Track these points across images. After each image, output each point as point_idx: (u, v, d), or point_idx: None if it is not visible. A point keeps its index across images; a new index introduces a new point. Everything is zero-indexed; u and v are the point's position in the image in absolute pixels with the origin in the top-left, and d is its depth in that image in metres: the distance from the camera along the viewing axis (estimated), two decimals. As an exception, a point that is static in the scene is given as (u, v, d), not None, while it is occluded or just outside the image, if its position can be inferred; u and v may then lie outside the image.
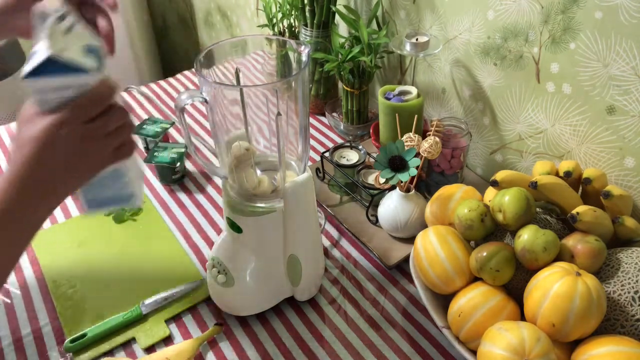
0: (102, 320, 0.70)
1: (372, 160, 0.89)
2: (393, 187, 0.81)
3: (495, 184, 0.69)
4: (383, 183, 0.78)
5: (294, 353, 0.68)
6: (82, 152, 0.50)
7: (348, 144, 0.93)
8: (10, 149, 0.48)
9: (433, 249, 0.65)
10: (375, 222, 0.83)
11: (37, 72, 0.46)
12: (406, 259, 0.77)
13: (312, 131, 1.09)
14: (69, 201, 0.92)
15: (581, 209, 0.62)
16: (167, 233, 0.86)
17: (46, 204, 0.51)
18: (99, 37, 0.54)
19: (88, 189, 0.55)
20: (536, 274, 0.59)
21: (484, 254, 0.61)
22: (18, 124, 0.50)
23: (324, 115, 1.11)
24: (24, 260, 0.80)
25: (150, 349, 0.68)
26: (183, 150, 0.95)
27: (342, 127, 1.04)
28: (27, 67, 0.46)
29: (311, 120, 1.12)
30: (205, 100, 0.58)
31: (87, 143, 0.49)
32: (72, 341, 0.67)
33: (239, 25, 1.57)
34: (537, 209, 0.67)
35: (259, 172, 0.67)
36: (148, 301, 0.73)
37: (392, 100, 0.85)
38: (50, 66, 0.46)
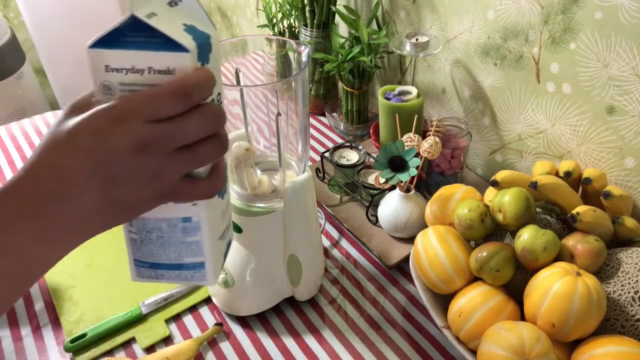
0: (102, 320, 0.70)
1: (372, 160, 0.89)
2: (393, 187, 0.81)
3: (495, 184, 0.69)
4: (383, 183, 0.78)
5: (294, 353, 0.68)
6: (131, 167, 0.33)
7: (348, 144, 0.93)
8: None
9: (433, 249, 0.65)
10: (375, 222, 0.83)
11: (110, 39, 0.33)
12: (406, 259, 0.77)
13: (312, 131, 1.09)
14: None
15: (581, 209, 0.62)
16: (167, 233, 0.86)
17: (49, 234, 0.34)
18: (214, 28, 0.38)
19: (137, 240, 0.40)
20: (536, 274, 0.59)
21: (484, 254, 0.61)
22: (59, 119, 0.35)
23: (324, 115, 1.11)
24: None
25: (150, 349, 0.68)
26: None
27: (342, 127, 1.04)
28: (99, 35, 0.33)
29: (311, 120, 1.12)
30: (206, 100, 0.57)
31: (144, 153, 0.33)
32: (72, 341, 0.67)
33: (239, 25, 1.57)
34: (537, 209, 0.67)
35: (259, 172, 0.67)
36: (148, 301, 0.72)
37: (392, 101, 0.85)
38: (132, 33, 0.33)
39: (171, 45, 0.33)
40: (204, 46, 0.36)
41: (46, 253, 0.35)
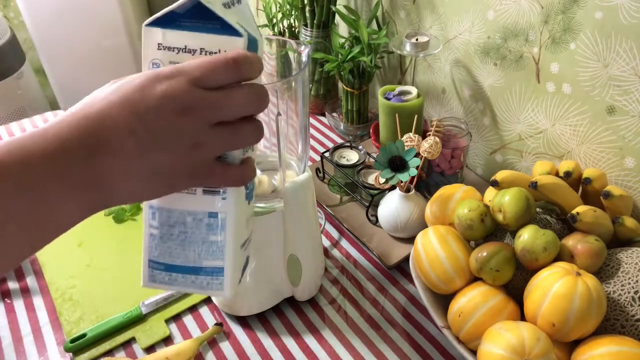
0: (102, 320, 0.70)
1: (372, 160, 0.89)
2: (393, 187, 0.81)
3: (495, 184, 0.69)
4: (383, 183, 0.78)
5: (294, 353, 0.68)
6: (170, 129, 0.33)
7: (348, 144, 0.93)
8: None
9: (433, 249, 0.65)
10: (375, 222, 0.83)
11: (167, 20, 0.36)
12: (406, 259, 0.77)
13: (312, 131, 1.09)
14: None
15: (581, 209, 0.62)
16: (167, 233, 0.86)
17: (73, 187, 0.32)
18: (262, 37, 0.40)
19: (157, 235, 0.39)
20: (536, 274, 0.59)
21: (484, 254, 0.61)
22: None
23: (324, 115, 1.11)
24: (24, 260, 0.80)
25: (150, 349, 0.68)
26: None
27: (342, 127, 1.04)
28: (156, 15, 0.36)
29: (311, 120, 1.12)
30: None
31: (185, 117, 0.33)
32: (72, 341, 0.67)
33: (239, 25, 1.57)
34: (537, 209, 0.67)
35: (259, 172, 0.67)
36: (148, 301, 0.72)
37: (392, 100, 0.85)
38: (189, 15, 0.35)
39: (225, 29, 0.36)
40: (252, 46, 0.37)
41: (66, 206, 0.33)
